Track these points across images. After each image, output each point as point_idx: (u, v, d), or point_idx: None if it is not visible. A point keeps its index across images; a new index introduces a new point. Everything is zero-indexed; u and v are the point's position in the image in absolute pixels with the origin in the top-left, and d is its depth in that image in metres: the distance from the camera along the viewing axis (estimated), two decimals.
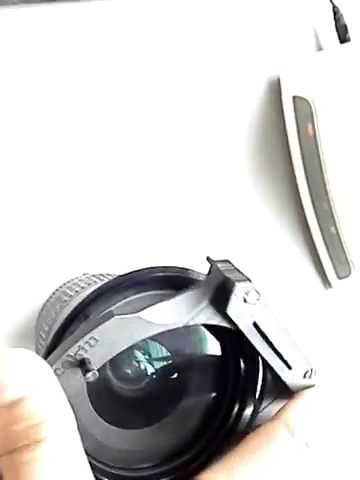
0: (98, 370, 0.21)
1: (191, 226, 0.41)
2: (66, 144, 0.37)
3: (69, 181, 0.37)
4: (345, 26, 0.42)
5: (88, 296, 0.24)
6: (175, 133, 0.40)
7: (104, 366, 0.26)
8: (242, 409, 0.26)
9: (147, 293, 0.26)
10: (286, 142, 0.43)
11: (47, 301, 0.34)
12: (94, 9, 0.37)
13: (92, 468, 0.19)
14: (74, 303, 0.27)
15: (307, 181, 0.43)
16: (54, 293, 0.34)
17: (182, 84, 0.40)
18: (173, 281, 0.25)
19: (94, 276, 0.33)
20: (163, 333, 0.23)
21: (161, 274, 0.25)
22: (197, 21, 0.40)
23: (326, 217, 0.44)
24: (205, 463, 0.26)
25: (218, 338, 0.27)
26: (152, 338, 0.28)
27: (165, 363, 0.29)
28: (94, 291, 0.24)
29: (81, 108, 0.37)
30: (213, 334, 0.27)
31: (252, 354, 0.25)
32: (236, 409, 0.26)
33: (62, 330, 0.24)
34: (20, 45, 0.35)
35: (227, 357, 0.27)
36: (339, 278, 0.46)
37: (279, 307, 0.44)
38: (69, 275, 0.37)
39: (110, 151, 0.38)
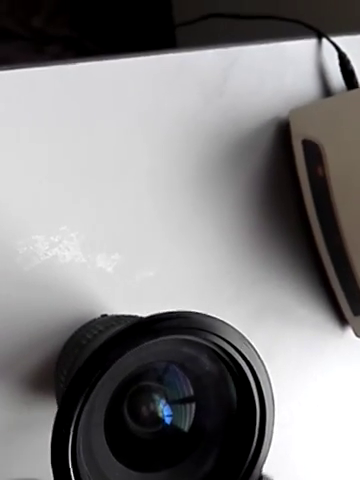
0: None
1: (201, 267, 0.42)
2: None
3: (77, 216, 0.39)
4: (352, 72, 0.44)
5: (105, 341, 0.25)
6: (184, 179, 0.41)
7: (121, 409, 0.27)
8: (256, 457, 0.27)
9: (164, 338, 0.26)
10: (298, 184, 0.44)
11: (67, 343, 0.35)
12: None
13: None
14: (92, 346, 0.28)
15: (319, 221, 0.44)
16: (73, 336, 0.35)
17: (192, 129, 0.41)
18: (188, 326, 0.26)
19: (112, 318, 0.34)
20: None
21: (175, 319, 0.26)
22: (206, 60, 0.42)
23: (339, 255, 0.44)
24: None
25: None
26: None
27: (182, 406, 0.30)
28: (111, 336, 0.25)
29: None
30: None
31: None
32: (250, 457, 0.27)
33: (80, 374, 0.25)
34: None
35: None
36: (355, 315, 0.46)
37: (296, 346, 0.45)
38: (88, 316, 0.38)
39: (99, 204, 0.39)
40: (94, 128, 0.38)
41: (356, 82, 0.44)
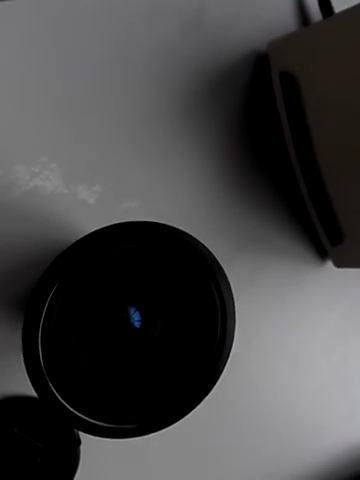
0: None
1: (182, 199, 0.43)
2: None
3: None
4: (328, 1, 0.44)
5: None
6: (165, 112, 0.42)
7: (94, 310, 0.29)
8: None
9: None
10: (277, 116, 0.45)
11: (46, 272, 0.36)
12: None
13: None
14: None
15: (297, 153, 0.45)
16: (52, 264, 0.36)
17: (170, 61, 0.42)
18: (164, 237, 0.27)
19: None
20: None
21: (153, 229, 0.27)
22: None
23: (317, 187, 0.45)
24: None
25: None
26: None
27: (154, 316, 0.31)
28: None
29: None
30: None
31: None
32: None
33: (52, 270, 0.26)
34: None
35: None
36: (333, 245, 0.48)
37: (276, 275, 0.47)
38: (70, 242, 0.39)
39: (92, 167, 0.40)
40: (72, 60, 0.39)
41: (331, 9, 0.44)
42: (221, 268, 0.29)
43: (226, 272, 0.44)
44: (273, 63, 0.43)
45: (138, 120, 0.41)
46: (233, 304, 0.29)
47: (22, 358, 0.37)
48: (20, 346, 0.39)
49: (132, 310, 0.29)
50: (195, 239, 0.28)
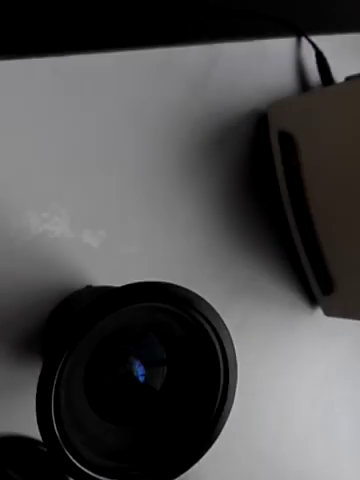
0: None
1: (180, 245, 0.46)
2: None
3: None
4: (327, 69, 0.47)
5: (87, 305, 0.28)
6: (169, 164, 0.44)
7: (101, 367, 0.31)
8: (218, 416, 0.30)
9: (139, 304, 0.30)
10: (274, 171, 0.47)
11: (53, 311, 0.38)
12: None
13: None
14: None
15: (292, 206, 0.48)
16: (60, 304, 0.38)
17: (177, 117, 0.45)
18: (162, 295, 0.30)
19: (96, 289, 0.38)
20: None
21: (150, 288, 0.29)
22: (191, 56, 0.45)
23: (310, 238, 0.48)
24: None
25: None
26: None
27: (156, 368, 0.33)
28: (92, 301, 0.28)
29: None
30: None
31: None
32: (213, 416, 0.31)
33: (64, 334, 0.28)
34: None
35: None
36: (323, 294, 0.50)
37: (267, 322, 0.49)
38: (74, 288, 0.42)
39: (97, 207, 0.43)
40: (85, 115, 0.41)
41: (331, 79, 0.47)
42: (222, 322, 0.31)
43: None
44: (272, 123, 0.46)
45: (143, 170, 0.44)
46: (235, 358, 0.31)
47: (22, 398, 0.39)
48: (20, 384, 0.40)
49: (136, 364, 0.31)
50: (197, 296, 0.30)
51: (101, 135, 0.42)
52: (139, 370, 0.32)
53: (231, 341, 0.32)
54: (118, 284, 0.42)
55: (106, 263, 0.43)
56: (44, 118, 0.40)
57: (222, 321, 0.31)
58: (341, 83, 0.43)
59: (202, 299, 0.31)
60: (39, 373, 0.35)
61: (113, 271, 0.43)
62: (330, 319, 0.51)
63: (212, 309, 0.31)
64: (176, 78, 0.44)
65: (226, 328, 0.31)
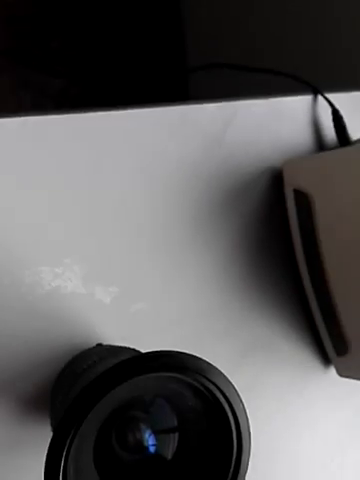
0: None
1: (192, 302, 0.45)
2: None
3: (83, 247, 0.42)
4: (344, 127, 0.47)
5: (98, 376, 0.27)
6: (182, 220, 0.44)
7: (110, 435, 0.30)
8: None
9: (153, 374, 0.29)
10: (289, 230, 0.47)
11: (63, 371, 0.38)
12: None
13: None
14: (86, 378, 0.31)
15: (307, 265, 0.47)
16: (69, 364, 0.38)
17: (192, 174, 0.44)
18: (175, 365, 0.29)
19: (106, 349, 0.37)
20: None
21: (163, 358, 0.29)
22: (208, 113, 0.45)
23: (325, 298, 0.47)
24: None
25: None
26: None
27: (166, 436, 0.32)
28: (104, 371, 0.28)
29: None
30: None
31: None
32: None
33: (74, 405, 0.28)
34: None
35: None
36: (338, 355, 0.49)
37: (280, 382, 0.48)
38: (85, 344, 0.41)
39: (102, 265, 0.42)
40: (99, 171, 0.41)
41: (347, 137, 0.47)
42: (236, 391, 0.30)
43: (230, 376, 0.45)
44: (287, 181, 0.46)
45: (156, 227, 0.43)
46: (248, 430, 0.30)
47: (29, 457, 0.38)
48: (23, 442, 0.39)
49: (147, 433, 0.30)
50: (210, 365, 0.30)
51: (115, 191, 0.42)
52: (149, 439, 0.31)
53: (245, 411, 0.31)
54: (128, 341, 0.42)
55: (117, 319, 0.42)
56: (58, 174, 0.40)
57: (236, 391, 0.30)
58: (357, 145, 0.43)
59: (215, 368, 0.30)
60: (47, 430, 0.34)
61: (124, 328, 0.42)
62: (344, 379, 0.50)
63: (226, 379, 0.30)
64: (191, 135, 0.44)
65: (240, 398, 0.30)
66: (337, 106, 0.48)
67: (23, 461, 0.39)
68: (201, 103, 0.44)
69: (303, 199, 0.45)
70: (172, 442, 0.31)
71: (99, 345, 0.40)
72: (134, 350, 0.37)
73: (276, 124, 0.47)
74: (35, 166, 0.39)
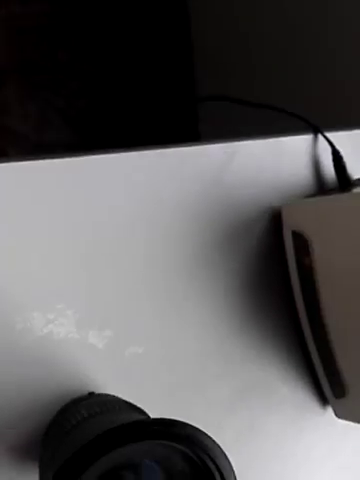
0: None
1: (189, 346, 0.44)
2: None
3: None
4: (344, 168, 0.46)
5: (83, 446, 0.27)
6: (178, 263, 0.44)
7: None
8: None
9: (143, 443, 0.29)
10: (287, 271, 0.46)
11: (52, 424, 0.37)
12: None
13: None
14: (74, 439, 0.30)
15: (305, 307, 0.46)
16: (59, 416, 0.37)
17: (190, 215, 0.44)
18: (165, 434, 0.28)
19: (96, 403, 0.36)
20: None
21: (156, 427, 0.28)
22: (207, 154, 0.44)
23: (322, 341, 0.46)
24: None
25: None
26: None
27: None
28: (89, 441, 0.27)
29: None
30: None
31: None
32: None
33: (62, 472, 0.27)
34: None
35: None
36: (336, 397, 0.48)
37: (277, 424, 0.47)
38: (78, 391, 0.40)
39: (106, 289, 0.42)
40: (95, 215, 0.41)
41: (348, 177, 0.47)
42: (228, 460, 0.30)
43: (227, 418, 0.44)
44: (286, 222, 0.45)
45: (152, 268, 0.43)
46: None
47: None
48: None
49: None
50: (202, 433, 0.29)
51: (111, 233, 0.41)
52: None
53: (232, 470, 0.31)
54: (123, 387, 0.41)
55: (111, 364, 0.42)
56: (51, 217, 0.39)
57: (227, 460, 0.30)
58: (355, 191, 0.42)
59: (207, 436, 0.29)
60: None
61: (118, 373, 0.42)
62: (342, 421, 0.50)
63: (218, 447, 0.29)
64: (190, 177, 0.43)
65: (231, 467, 0.30)
66: (337, 146, 0.47)
67: None
68: (200, 145, 0.43)
69: (302, 241, 0.44)
70: None
71: (90, 394, 0.39)
72: (125, 402, 0.36)
73: (276, 164, 0.46)
74: (28, 212, 0.39)
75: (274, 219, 0.46)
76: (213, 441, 0.29)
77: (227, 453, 0.30)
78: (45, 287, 0.39)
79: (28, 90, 1.33)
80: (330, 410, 0.50)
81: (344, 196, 0.42)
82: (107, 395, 0.39)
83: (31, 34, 1.34)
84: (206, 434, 0.29)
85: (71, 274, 0.40)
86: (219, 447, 0.30)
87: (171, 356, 0.44)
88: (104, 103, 1.15)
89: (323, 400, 0.49)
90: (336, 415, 0.49)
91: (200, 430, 0.29)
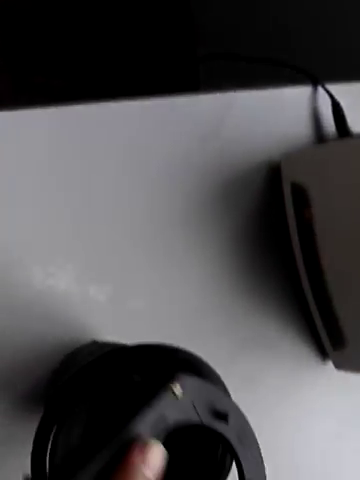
0: None
1: (190, 300, 0.45)
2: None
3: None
4: (343, 119, 0.46)
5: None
6: (178, 216, 0.43)
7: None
8: None
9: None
10: (286, 224, 0.46)
11: (57, 368, 0.38)
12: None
13: None
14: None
15: (304, 259, 0.46)
16: (63, 361, 0.37)
17: (187, 168, 0.44)
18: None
19: (100, 346, 0.37)
20: None
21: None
22: (203, 105, 0.44)
23: (321, 292, 0.46)
24: None
25: None
26: None
27: None
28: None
29: None
30: None
31: None
32: None
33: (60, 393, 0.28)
34: None
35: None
36: (334, 349, 0.48)
37: (278, 376, 0.48)
38: (80, 342, 0.41)
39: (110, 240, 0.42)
40: (92, 166, 0.41)
41: (347, 129, 0.46)
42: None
43: (227, 370, 0.45)
44: (285, 174, 0.45)
45: (151, 223, 0.43)
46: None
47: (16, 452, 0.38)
48: (18, 441, 0.39)
49: None
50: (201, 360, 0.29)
51: (108, 188, 0.41)
52: None
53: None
54: (124, 340, 0.41)
55: (112, 318, 0.42)
56: (48, 171, 0.39)
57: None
58: (356, 137, 0.42)
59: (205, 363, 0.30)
60: None
61: (119, 326, 0.42)
62: (341, 373, 0.50)
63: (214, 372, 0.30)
64: (187, 128, 0.43)
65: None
66: (337, 98, 0.47)
67: (15, 458, 0.39)
68: (196, 94, 0.43)
69: (301, 193, 0.44)
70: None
71: (94, 342, 0.39)
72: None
73: (274, 116, 0.46)
74: (24, 164, 0.38)
75: (273, 173, 0.46)
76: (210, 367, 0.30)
77: None
78: (44, 241, 0.39)
79: (19, 80, 1.30)
80: (329, 364, 0.50)
81: (343, 141, 0.42)
82: (111, 343, 0.39)
83: (22, 21, 1.30)
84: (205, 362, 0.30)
85: (70, 228, 0.40)
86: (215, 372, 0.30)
87: (171, 310, 0.44)
88: (105, 58, 1.12)
89: (323, 354, 0.50)
90: (335, 367, 0.49)
91: (200, 358, 0.29)
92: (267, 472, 0.48)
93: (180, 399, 0.27)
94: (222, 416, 0.28)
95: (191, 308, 0.45)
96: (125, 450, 0.24)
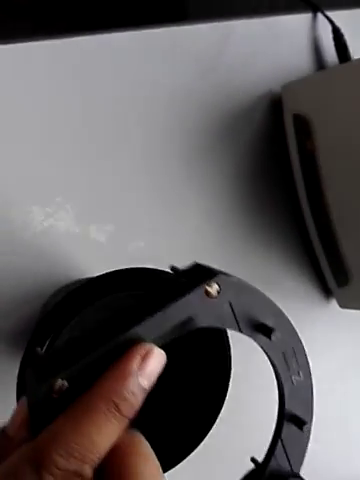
0: None
1: (192, 237, 0.43)
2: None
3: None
4: (345, 46, 0.44)
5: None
6: (177, 152, 0.42)
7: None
8: None
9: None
10: (288, 156, 0.45)
11: (49, 298, 0.36)
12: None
13: None
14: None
15: (307, 193, 0.45)
16: (57, 292, 0.36)
17: (187, 102, 0.42)
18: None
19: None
20: None
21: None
22: (201, 35, 0.42)
23: (325, 228, 0.45)
24: None
25: None
26: None
27: None
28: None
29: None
30: None
31: None
32: None
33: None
34: None
35: None
36: (339, 286, 0.48)
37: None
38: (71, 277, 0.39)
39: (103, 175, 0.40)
40: (90, 102, 0.39)
41: (349, 56, 0.44)
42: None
43: None
44: (286, 105, 0.44)
45: (151, 160, 0.41)
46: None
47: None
48: (7, 375, 0.38)
49: None
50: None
51: (107, 124, 0.39)
52: None
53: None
54: None
55: (114, 258, 0.41)
56: (47, 108, 0.37)
57: None
58: (357, 59, 0.40)
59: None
60: None
61: (121, 265, 0.41)
62: (345, 311, 0.50)
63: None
64: (185, 59, 0.41)
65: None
66: (338, 24, 0.45)
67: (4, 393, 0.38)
68: (193, 24, 0.41)
69: (303, 124, 0.43)
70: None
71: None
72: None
73: (274, 45, 0.44)
74: (22, 99, 0.36)
75: (273, 104, 0.44)
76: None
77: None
78: (43, 180, 0.38)
79: None
80: (333, 303, 0.50)
81: (345, 65, 0.40)
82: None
83: None
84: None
85: (68, 167, 0.39)
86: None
87: (173, 249, 0.43)
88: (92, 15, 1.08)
89: (326, 292, 0.49)
90: (339, 305, 0.49)
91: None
92: (268, 410, 0.48)
93: (214, 299, 0.22)
94: (266, 329, 0.24)
95: (192, 247, 0.44)
96: (124, 351, 0.21)
